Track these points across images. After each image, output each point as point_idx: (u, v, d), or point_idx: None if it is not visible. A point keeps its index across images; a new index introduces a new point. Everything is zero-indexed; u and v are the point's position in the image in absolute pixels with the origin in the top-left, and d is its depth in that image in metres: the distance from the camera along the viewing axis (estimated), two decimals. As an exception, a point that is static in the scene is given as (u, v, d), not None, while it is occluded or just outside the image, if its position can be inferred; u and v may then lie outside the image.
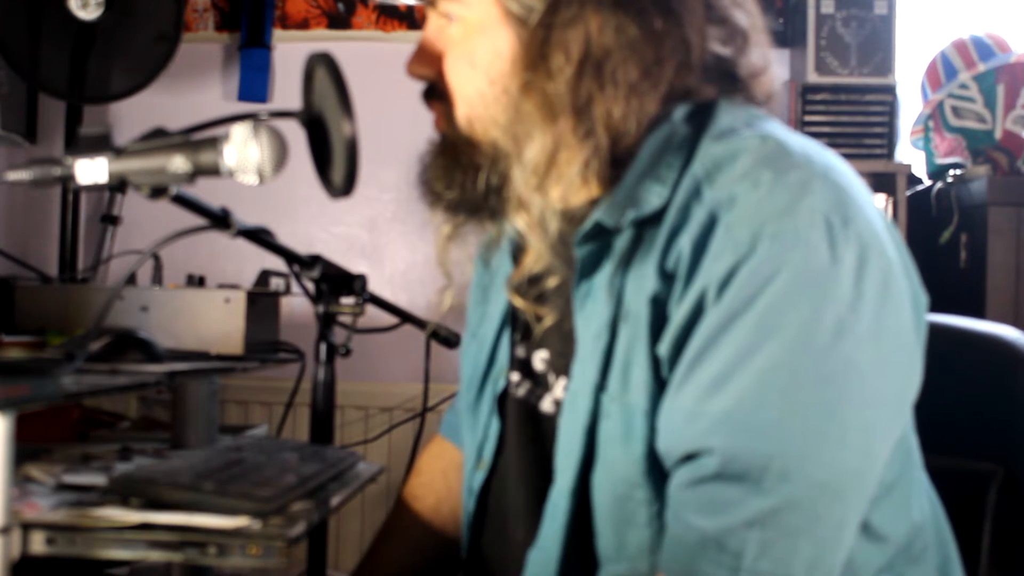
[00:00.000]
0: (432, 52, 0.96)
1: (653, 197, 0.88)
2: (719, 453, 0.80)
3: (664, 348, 0.85)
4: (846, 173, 0.87)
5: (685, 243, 0.84)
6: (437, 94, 0.96)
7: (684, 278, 0.84)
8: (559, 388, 0.96)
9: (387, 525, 1.27)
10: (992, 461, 1.11)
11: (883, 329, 0.82)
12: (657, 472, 0.86)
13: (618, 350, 0.88)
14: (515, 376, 1.04)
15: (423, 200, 0.99)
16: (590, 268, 0.92)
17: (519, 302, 0.96)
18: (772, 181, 0.82)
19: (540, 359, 1.01)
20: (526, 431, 1.01)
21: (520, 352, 1.04)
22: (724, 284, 0.81)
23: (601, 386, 0.89)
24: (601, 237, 0.91)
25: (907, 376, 0.87)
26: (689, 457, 0.82)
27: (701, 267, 0.82)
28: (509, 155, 0.91)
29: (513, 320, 1.06)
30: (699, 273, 0.82)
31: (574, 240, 0.92)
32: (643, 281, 0.87)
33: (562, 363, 0.96)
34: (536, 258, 0.91)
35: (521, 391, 1.03)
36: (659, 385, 0.86)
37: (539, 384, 1.00)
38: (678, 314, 0.84)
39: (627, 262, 0.89)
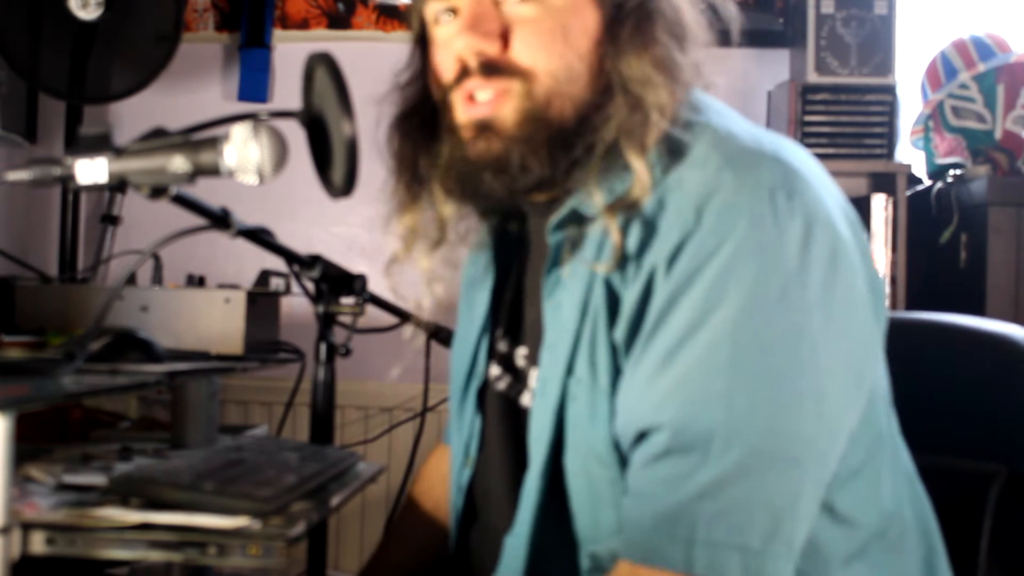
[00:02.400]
0: (494, 25, 0.92)
1: (618, 184, 0.89)
2: (669, 427, 0.81)
3: (619, 332, 0.87)
4: (799, 157, 0.89)
5: (636, 228, 0.86)
6: (498, 71, 0.92)
7: (635, 261, 0.86)
8: (534, 379, 0.97)
9: (389, 530, 1.28)
10: (996, 461, 1.10)
11: (833, 300, 0.82)
12: (622, 452, 0.88)
13: (584, 335, 0.90)
14: (495, 370, 1.06)
15: (493, 186, 0.93)
16: (563, 256, 0.93)
17: (590, 266, 0.92)
18: (720, 163, 0.85)
19: (521, 355, 1.02)
20: (507, 425, 1.02)
21: (502, 347, 1.06)
22: (672, 260, 0.83)
23: (569, 370, 0.90)
24: (575, 224, 0.92)
25: (864, 349, 0.87)
26: (643, 436, 0.84)
27: (651, 248, 0.85)
28: (606, 120, 0.91)
29: (495, 316, 1.07)
30: (648, 254, 0.85)
31: (548, 228, 0.94)
32: (603, 266, 0.89)
33: (537, 355, 0.97)
34: (643, 190, 0.88)
35: (502, 384, 1.04)
36: (618, 372, 0.88)
37: (519, 380, 1.01)
38: (629, 296, 0.86)
39: (598, 249, 0.90)
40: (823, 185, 0.88)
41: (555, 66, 0.91)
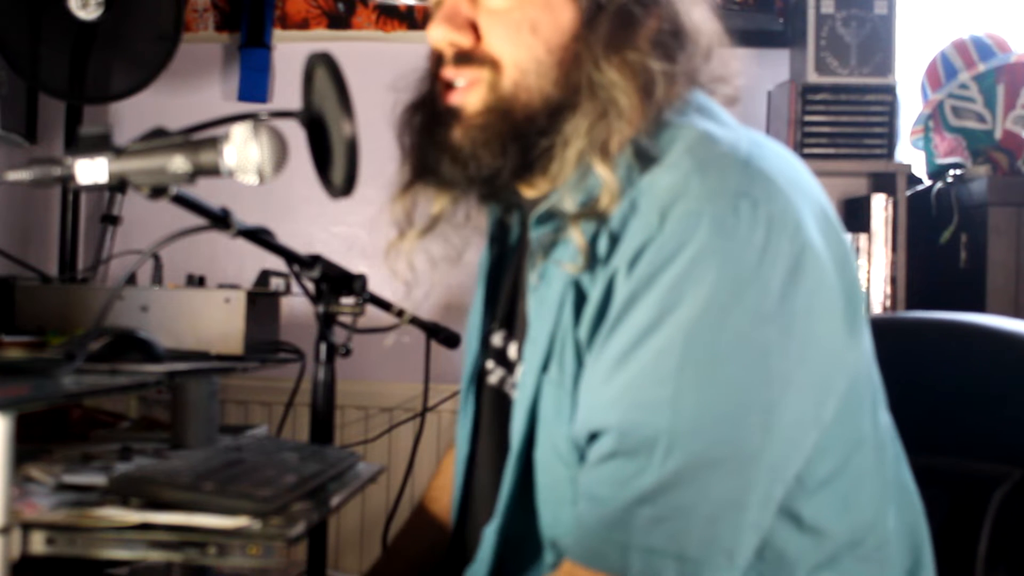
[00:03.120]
0: (468, 18, 0.94)
1: (597, 186, 0.89)
2: (616, 429, 0.81)
3: (582, 332, 0.87)
4: (779, 162, 0.88)
5: (607, 228, 0.87)
6: (469, 61, 0.94)
7: (603, 262, 0.86)
8: (519, 372, 0.98)
9: (405, 525, 1.28)
10: (1007, 463, 1.09)
11: (792, 311, 0.81)
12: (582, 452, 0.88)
13: (559, 333, 0.91)
14: (489, 363, 1.07)
15: (446, 175, 0.96)
16: (544, 251, 0.94)
17: (572, 268, 0.93)
18: (690, 167, 0.84)
19: (514, 349, 1.03)
20: (496, 417, 1.03)
21: (497, 341, 1.06)
22: (632, 263, 0.83)
23: (544, 367, 0.91)
24: (555, 221, 0.93)
25: (828, 363, 0.85)
26: (594, 437, 0.84)
27: (617, 250, 0.85)
28: (577, 120, 0.91)
29: (492, 308, 1.08)
30: (614, 256, 0.85)
31: (531, 222, 0.95)
32: (575, 265, 0.89)
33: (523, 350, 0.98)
34: (611, 198, 0.89)
35: (494, 378, 1.05)
36: (581, 369, 0.88)
37: (511, 372, 1.02)
38: (593, 296, 0.86)
39: (575, 248, 0.90)
40: (799, 190, 0.87)
41: (522, 58, 0.92)
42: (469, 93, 0.94)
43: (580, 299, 0.89)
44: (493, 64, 0.93)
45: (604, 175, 0.88)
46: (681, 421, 0.79)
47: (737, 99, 1.00)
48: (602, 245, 0.87)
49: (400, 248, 1.04)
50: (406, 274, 1.05)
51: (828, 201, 0.91)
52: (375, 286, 1.56)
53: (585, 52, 0.92)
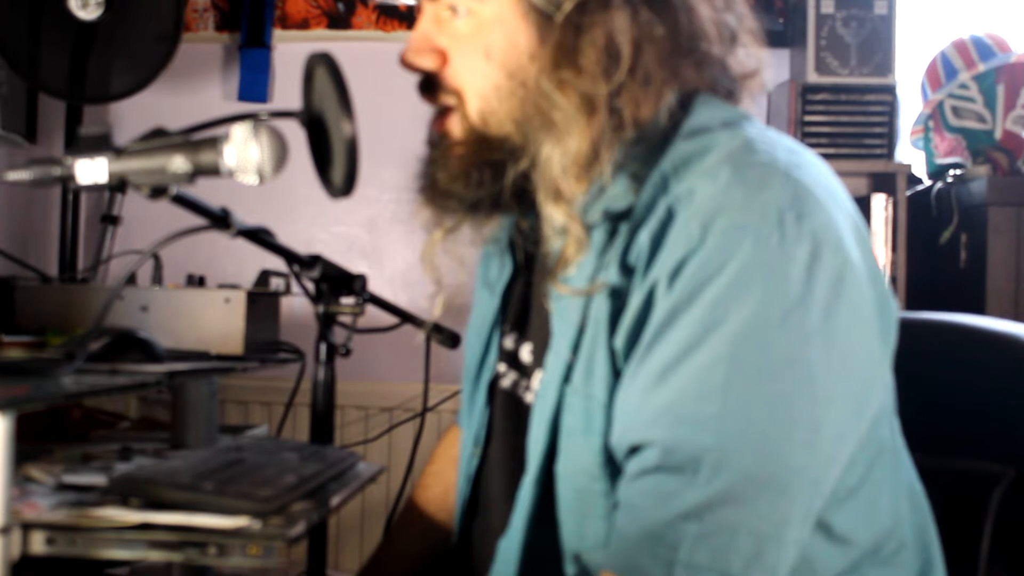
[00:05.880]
0: (432, 44, 0.94)
1: (625, 192, 0.89)
2: (659, 445, 0.80)
3: (619, 341, 0.86)
4: (815, 173, 0.87)
5: (645, 237, 0.85)
6: (436, 87, 0.95)
7: (642, 272, 0.84)
8: (536, 380, 0.97)
9: (400, 515, 1.28)
10: (1003, 463, 1.09)
11: (834, 326, 0.81)
12: (614, 465, 0.87)
13: (584, 344, 0.89)
14: (502, 367, 1.06)
15: (432, 203, 0.96)
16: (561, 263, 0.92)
17: (567, 290, 0.93)
18: (730, 176, 0.83)
19: (527, 351, 1.01)
20: (510, 421, 1.02)
21: (508, 344, 1.05)
22: (673, 276, 0.82)
23: (567, 378, 0.90)
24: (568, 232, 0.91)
25: (866, 377, 0.85)
26: (635, 450, 0.83)
27: (656, 260, 0.83)
28: (538, 148, 0.90)
29: (504, 312, 1.07)
30: (654, 266, 0.83)
31: (546, 233, 0.93)
32: (607, 275, 0.88)
33: (542, 355, 0.96)
34: (578, 247, 0.89)
35: (507, 382, 1.04)
36: (616, 378, 0.87)
37: (525, 375, 1.01)
38: (631, 307, 0.85)
39: (601, 257, 0.89)
40: (835, 202, 0.86)
41: (481, 86, 0.92)
42: (447, 122, 0.94)
43: (616, 306, 0.87)
44: (456, 93, 0.93)
45: (555, 218, 0.88)
46: (728, 439, 0.78)
47: (742, 93, 0.97)
48: (638, 252, 0.85)
49: (434, 249, 1.03)
50: (436, 273, 1.04)
51: (855, 208, 0.90)
52: (375, 286, 1.56)
53: (536, 73, 0.89)
